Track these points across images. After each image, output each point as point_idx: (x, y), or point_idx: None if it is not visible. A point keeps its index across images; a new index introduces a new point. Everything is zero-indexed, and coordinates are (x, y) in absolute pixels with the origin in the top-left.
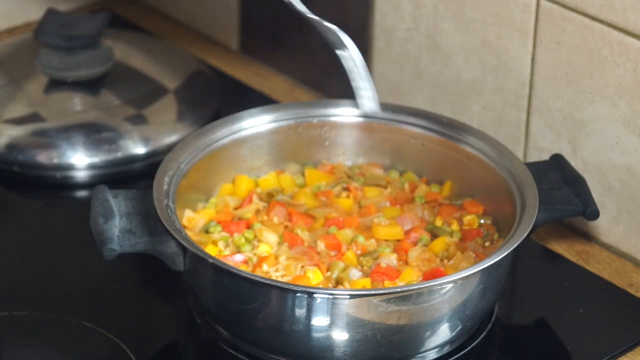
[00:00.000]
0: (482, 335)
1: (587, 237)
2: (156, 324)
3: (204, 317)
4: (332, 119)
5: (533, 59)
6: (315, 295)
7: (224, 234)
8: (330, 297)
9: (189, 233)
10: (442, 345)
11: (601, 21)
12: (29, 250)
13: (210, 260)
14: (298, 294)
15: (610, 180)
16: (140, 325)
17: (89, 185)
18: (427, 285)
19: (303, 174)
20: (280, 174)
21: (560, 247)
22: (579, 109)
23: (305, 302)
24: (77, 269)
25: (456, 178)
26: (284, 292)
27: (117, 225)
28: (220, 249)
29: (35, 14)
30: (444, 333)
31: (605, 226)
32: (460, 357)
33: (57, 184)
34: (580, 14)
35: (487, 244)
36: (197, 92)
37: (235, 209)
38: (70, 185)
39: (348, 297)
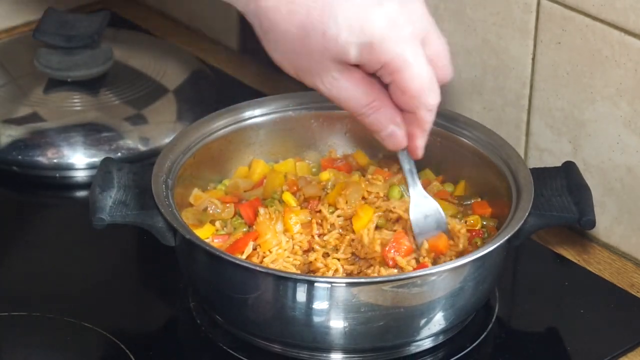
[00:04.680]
0: (483, 336)
1: (588, 237)
2: (156, 324)
3: (204, 317)
4: (327, 111)
5: (534, 59)
6: (298, 282)
7: (224, 214)
8: (318, 284)
9: (193, 211)
10: (435, 335)
11: (602, 21)
12: (29, 250)
13: (187, 236)
14: (282, 279)
15: (611, 181)
16: (140, 325)
17: (89, 185)
18: (410, 276)
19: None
20: (298, 162)
21: (561, 247)
22: (580, 108)
23: (289, 289)
24: (77, 269)
25: (469, 179)
26: (259, 273)
27: (112, 196)
28: (217, 228)
29: (34, 13)
30: (434, 323)
31: (606, 226)
32: (460, 358)
33: (57, 184)
34: (581, 13)
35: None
36: (197, 92)
37: (245, 191)
38: (70, 185)
39: (344, 284)
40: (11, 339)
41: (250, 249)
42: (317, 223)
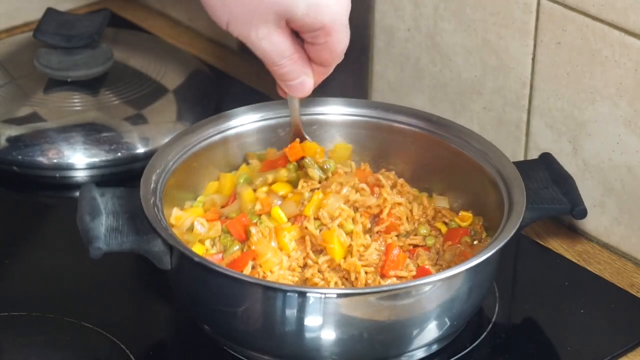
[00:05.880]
0: (483, 336)
1: (588, 237)
2: (156, 324)
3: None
4: (321, 117)
5: (534, 59)
6: (307, 294)
7: (211, 233)
8: (321, 296)
9: (176, 232)
10: (429, 344)
11: (602, 21)
12: (29, 250)
13: (196, 259)
14: (288, 293)
15: (611, 181)
16: (140, 325)
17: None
18: (413, 284)
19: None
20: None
21: (561, 247)
22: (580, 108)
23: (293, 301)
24: (77, 269)
25: (446, 177)
26: (272, 291)
27: (103, 223)
28: (207, 248)
29: (34, 13)
30: (429, 332)
31: (606, 226)
32: (460, 358)
33: (57, 184)
34: (581, 13)
35: (475, 242)
36: (197, 92)
37: (222, 207)
38: (70, 185)
39: (335, 295)
40: (11, 339)
41: (250, 269)
42: (310, 241)
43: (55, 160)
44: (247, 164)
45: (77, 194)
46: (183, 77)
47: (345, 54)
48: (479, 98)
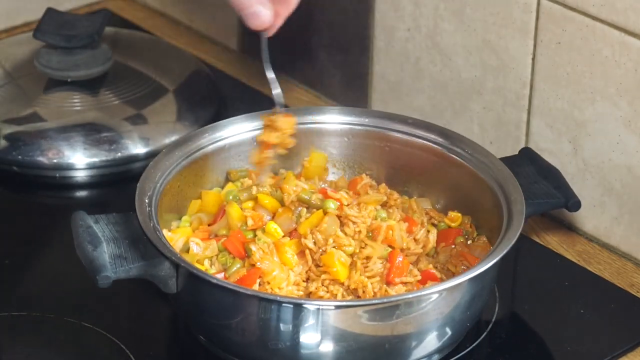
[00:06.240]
0: (483, 336)
1: (588, 237)
2: (156, 324)
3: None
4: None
5: (534, 59)
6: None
7: (207, 252)
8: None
9: None
10: (429, 355)
11: (602, 21)
12: (29, 250)
13: (214, 281)
14: (304, 306)
15: (611, 181)
16: (140, 325)
17: (89, 185)
18: (421, 293)
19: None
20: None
21: (561, 247)
22: (580, 109)
23: (314, 316)
24: (77, 269)
25: (425, 178)
26: (300, 309)
27: (106, 251)
28: (207, 268)
29: (34, 13)
30: (434, 339)
31: (606, 226)
32: (460, 358)
33: (57, 184)
34: (581, 13)
35: (469, 242)
36: (197, 92)
37: (209, 224)
38: (70, 185)
39: (333, 307)
40: (11, 339)
41: (257, 286)
42: (310, 255)
43: (55, 160)
44: (232, 181)
45: (77, 194)
46: (183, 77)
47: (346, 54)
48: (479, 98)
